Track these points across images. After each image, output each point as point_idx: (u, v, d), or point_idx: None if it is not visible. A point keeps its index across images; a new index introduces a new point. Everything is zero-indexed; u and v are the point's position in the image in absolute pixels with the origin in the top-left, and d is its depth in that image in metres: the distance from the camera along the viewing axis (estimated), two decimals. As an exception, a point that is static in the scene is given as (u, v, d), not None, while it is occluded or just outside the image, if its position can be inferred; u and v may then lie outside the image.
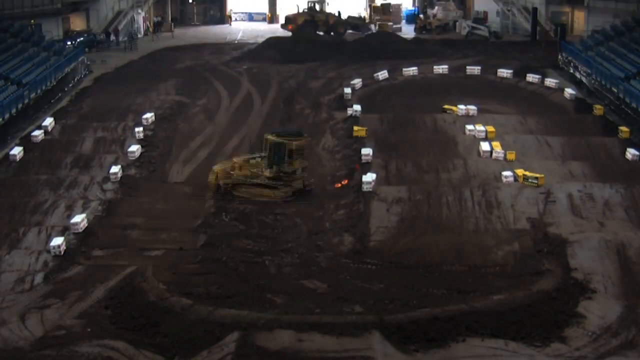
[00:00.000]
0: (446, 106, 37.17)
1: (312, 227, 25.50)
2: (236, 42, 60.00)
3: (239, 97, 41.73)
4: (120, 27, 58.88)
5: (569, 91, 40.21)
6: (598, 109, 36.65)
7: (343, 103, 39.12)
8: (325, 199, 27.86)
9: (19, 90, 36.88)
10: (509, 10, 59.45)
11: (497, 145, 31.19)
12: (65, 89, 42.86)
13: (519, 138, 33.26)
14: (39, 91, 38.77)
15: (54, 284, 21.59)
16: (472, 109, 36.36)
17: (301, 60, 49.39)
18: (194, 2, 69.78)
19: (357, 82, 42.23)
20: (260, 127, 35.98)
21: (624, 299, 20.31)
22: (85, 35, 55.72)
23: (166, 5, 67.35)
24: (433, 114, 36.52)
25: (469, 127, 33.68)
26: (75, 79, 45.04)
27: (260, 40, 56.93)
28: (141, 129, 34.29)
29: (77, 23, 58.80)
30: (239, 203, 27.19)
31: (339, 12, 61.12)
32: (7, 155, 31.77)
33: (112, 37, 57.83)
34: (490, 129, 33.33)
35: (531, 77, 42.61)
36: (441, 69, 44.96)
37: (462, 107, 36.36)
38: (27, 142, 33.49)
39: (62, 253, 23.20)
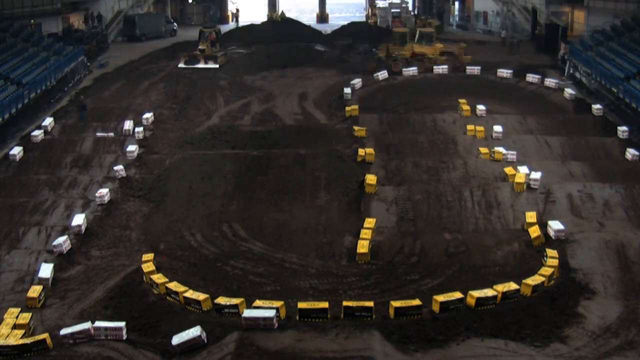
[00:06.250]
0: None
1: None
2: None
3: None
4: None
5: (568, 91, 40.18)
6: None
7: (343, 103, 39.12)
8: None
9: (19, 90, 36.83)
10: (508, 11, 59.36)
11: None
12: (65, 89, 42.83)
13: (519, 138, 33.26)
14: (38, 91, 38.76)
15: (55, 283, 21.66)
16: (482, 109, 36.41)
17: None
18: (194, 2, 69.72)
19: (357, 82, 42.20)
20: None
21: (624, 299, 20.32)
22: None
23: (166, 5, 67.30)
24: (433, 114, 36.49)
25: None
26: (75, 79, 45.03)
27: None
28: (141, 129, 34.32)
29: (77, 23, 58.64)
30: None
31: None
32: (7, 155, 31.74)
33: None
34: (480, 128, 33.49)
35: (531, 77, 42.56)
36: (441, 69, 44.88)
37: (480, 107, 36.44)
38: (27, 142, 33.47)
39: (66, 252, 23.24)
